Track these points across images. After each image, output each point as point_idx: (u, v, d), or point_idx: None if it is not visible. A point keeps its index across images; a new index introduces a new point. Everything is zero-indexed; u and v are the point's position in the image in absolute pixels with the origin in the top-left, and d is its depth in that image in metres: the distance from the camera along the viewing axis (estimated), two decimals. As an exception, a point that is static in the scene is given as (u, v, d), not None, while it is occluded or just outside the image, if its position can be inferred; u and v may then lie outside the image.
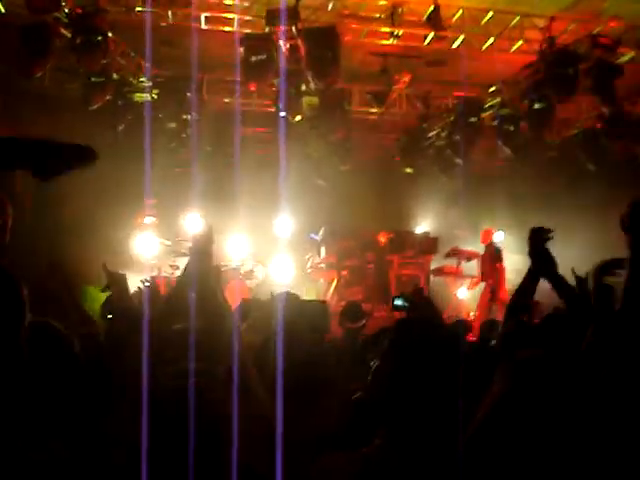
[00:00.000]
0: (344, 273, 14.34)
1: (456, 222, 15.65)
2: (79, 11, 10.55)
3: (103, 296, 5.81)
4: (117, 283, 4.44)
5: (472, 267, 14.96)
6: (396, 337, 2.62)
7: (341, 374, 4.32)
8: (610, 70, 11.80)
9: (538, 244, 3.68)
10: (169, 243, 13.63)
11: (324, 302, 9.26)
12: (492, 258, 14.23)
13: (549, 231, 3.75)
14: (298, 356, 3.11)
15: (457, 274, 14.88)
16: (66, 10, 10.59)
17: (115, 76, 12.39)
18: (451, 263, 15.05)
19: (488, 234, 14.57)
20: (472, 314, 14.17)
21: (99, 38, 10.55)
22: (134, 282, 5.23)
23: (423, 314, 4.57)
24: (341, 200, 14.71)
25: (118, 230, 13.19)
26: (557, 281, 3.65)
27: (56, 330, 2.51)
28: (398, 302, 4.71)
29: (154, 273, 13.08)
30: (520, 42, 11.93)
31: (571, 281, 3.86)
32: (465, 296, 14.67)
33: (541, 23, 11.71)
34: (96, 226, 12.75)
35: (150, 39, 10.96)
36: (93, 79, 11.72)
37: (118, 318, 4.07)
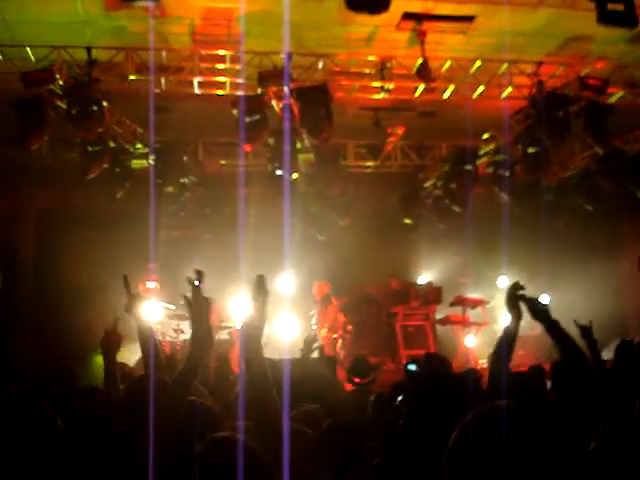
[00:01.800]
0: (349, 328, 14.25)
1: (459, 270, 15.61)
2: (73, 82, 10.70)
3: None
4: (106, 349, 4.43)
5: (479, 314, 14.88)
6: (412, 398, 2.64)
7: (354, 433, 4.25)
8: (601, 110, 11.92)
9: (512, 298, 3.79)
10: (173, 307, 13.57)
11: (332, 358, 9.19)
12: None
13: (521, 286, 3.96)
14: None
15: (463, 322, 14.79)
16: (60, 82, 10.74)
17: (112, 144, 12.49)
18: (456, 312, 14.97)
19: (322, 288, 14.38)
20: (482, 362, 14.04)
21: (94, 107, 10.68)
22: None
23: (432, 379, 4.57)
24: (342, 254, 14.69)
25: (121, 296, 13.12)
26: (552, 327, 3.66)
27: (35, 406, 2.45)
28: (411, 367, 4.69)
29: (158, 338, 12.98)
30: (510, 88, 12.06)
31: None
32: (473, 344, 14.55)
33: (529, 68, 11.86)
34: (98, 292, 12.73)
35: (146, 106, 11.11)
36: (90, 148, 11.83)
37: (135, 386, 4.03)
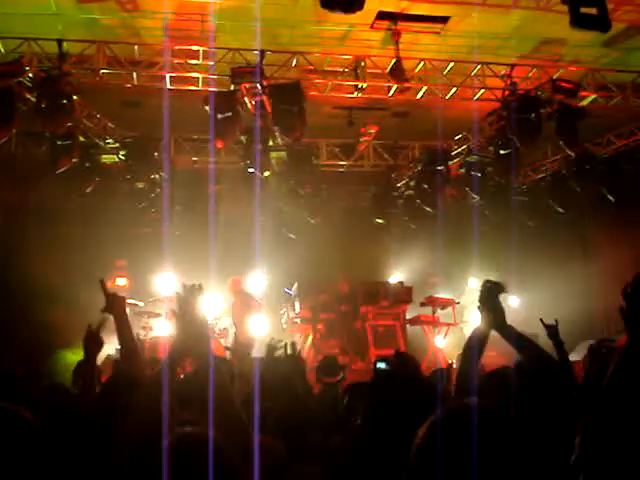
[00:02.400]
0: (320, 327, 14.24)
1: (429, 270, 15.67)
2: (43, 75, 10.54)
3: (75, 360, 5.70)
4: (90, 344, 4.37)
5: (449, 315, 14.92)
6: (375, 397, 2.61)
7: (320, 430, 4.23)
8: (573, 113, 12.00)
9: (491, 298, 3.60)
10: (142, 304, 13.47)
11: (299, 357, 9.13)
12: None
13: (503, 287, 3.65)
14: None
15: (433, 322, 14.82)
16: (30, 74, 10.58)
17: (81, 138, 12.35)
18: (427, 312, 15.00)
19: (236, 283, 14.20)
20: (452, 361, 14.08)
21: (64, 101, 10.53)
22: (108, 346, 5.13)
23: (403, 378, 4.54)
24: (313, 253, 14.68)
25: (90, 293, 12.99)
26: (507, 333, 3.57)
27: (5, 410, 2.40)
28: (380, 365, 4.65)
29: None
30: (482, 90, 12.11)
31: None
32: (443, 344, 14.59)
33: (502, 70, 11.91)
34: (66, 288, 12.59)
35: (117, 101, 11.01)
36: (59, 142, 11.68)
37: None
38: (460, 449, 1.85)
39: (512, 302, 15.89)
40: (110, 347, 6.50)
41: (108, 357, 9.55)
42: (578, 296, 14.50)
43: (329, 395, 5.97)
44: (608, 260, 15.65)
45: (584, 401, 3.87)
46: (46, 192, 13.43)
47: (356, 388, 4.83)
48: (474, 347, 3.69)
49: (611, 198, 13.87)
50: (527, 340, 3.56)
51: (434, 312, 14.94)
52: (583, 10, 8.61)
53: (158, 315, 13.45)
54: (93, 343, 4.48)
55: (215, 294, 13.80)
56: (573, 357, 12.98)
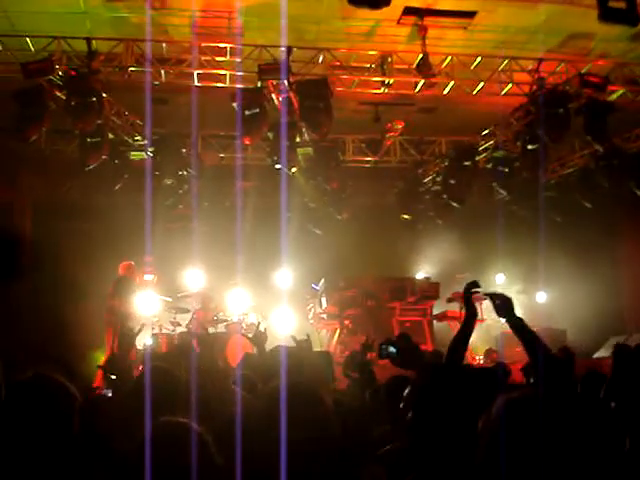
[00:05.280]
0: (346, 322, 14.24)
1: (456, 266, 15.62)
2: (73, 73, 10.66)
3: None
4: (123, 345, 4.44)
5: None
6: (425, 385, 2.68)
7: (353, 425, 4.27)
8: (601, 108, 11.90)
9: (466, 296, 3.82)
10: (169, 299, 13.57)
11: (328, 352, 9.20)
12: None
13: (476, 284, 4.05)
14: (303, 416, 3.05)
15: (460, 318, 14.75)
16: (60, 73, 10.71)
17: (111, 136, 12.46)
18: (453, 308, 14.96)
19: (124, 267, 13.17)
20: (478, 358, 14.06)
21: (93, 99, 10.65)
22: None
23: (410, 360, 4.62)
24: (340, 249, 14.69)
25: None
26: (515, 324, 3.65)
27: (56, 384, 2.45)
28: (389, 349, 4.69)
29: (155, 330, 12.98)
30: (510, 85, 12.05)
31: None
32: (470, 340, 14.55)
33: (529, 65, 11.84)
34: (97, 287, 12.71)
35: (145, 98, 11.09)
36: (89, 139, 11.80)
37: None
38: (528, 433, 1.91)
39: (540, 298, 15.83)
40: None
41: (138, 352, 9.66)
42: (607, 292, 14.41)
43: (358, 390, 5.99)
44: (637, 256, 15.53)
45: (611, 396, 3.88)
46: (76, 189, 13.59)
47: (396, 381, 4.87)
48: (458, 341, 3.86)
49: (639, 193, 13.74)
50: (531, 334, 3.61)
51: (461, 308, 14.88)
52: (611, 4, 8.56)
53: (186, 311, 13.54)
54: (126, 342, 4.56)
55: (241, 290, 13.86)
56: (601, 353, 12.94)
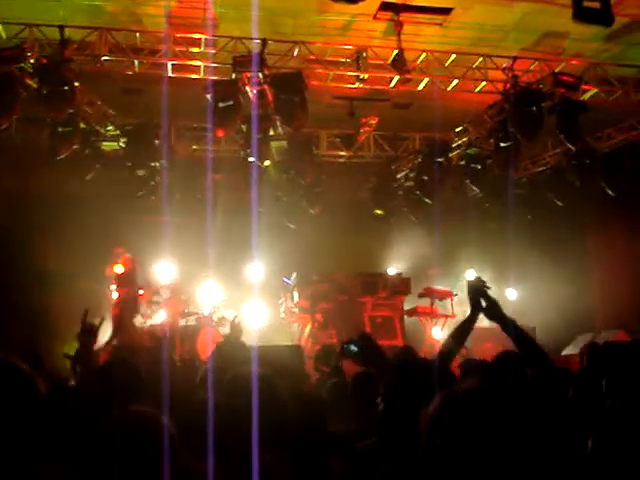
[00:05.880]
0: (318, 317, 14.25)
1: (428, 262, 15.69)
2: (45, 61, 10.52)
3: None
4: (86, 337, 4.37)
5: (446, 306, 14.95)
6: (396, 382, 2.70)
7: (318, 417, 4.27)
8: (574, 107, 11.99)
9: (476, 295, 3.71)
10: (141, 292, 13.46)
11: (299, 346, 9.19)
12: None
13: (484, 283, 3.82)
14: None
15: (431, 314, 14.85)
16: (32, 60, 10.56)
17: (82, 125, 12.33)
18: (425, 303, 15.03)
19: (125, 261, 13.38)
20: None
21: (65, 87, 10.51)
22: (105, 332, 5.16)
23: (371, 359, 4.66)
24: (312, 243, 14.69)
25: (88, 280, 13.03)
26: (505, 323, 3.64)
27: (19, 372, 2.41)
28: (350, 348, 4.73)
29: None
30: (484, 83, 12.11)
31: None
32: (440, 336, 14.63)
33: (504, 63, 11.90)
34: (66, 275, 12.61)
35: (118, 88, 11.00)
36: (60, 129, 11.65)
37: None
38: (465, 428, 1.91)
39: (510, 295, 15.94)
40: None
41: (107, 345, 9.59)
42: (576, 290, 14.54)
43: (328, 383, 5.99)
44: (606, 254, 15.71)
45: (581, 394, 3.91)
46: (46, 179, 13.43)
47: (362, 376, 4.88)
48: (459, 330, 3.79)
49: (610, 192, 13.89)
50: (524, 332, 3.61)
51: (432, 304, 14.97)
52: (586, 4, 8.63)
53: (157, 303, 13.46)
54: (88, 337, 4.49)
55: (212, 283, 13.81)
56: (570, 350, 13.07)
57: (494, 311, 3.67)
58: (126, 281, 12.94)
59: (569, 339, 13.60)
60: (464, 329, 3.80)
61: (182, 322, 13.03)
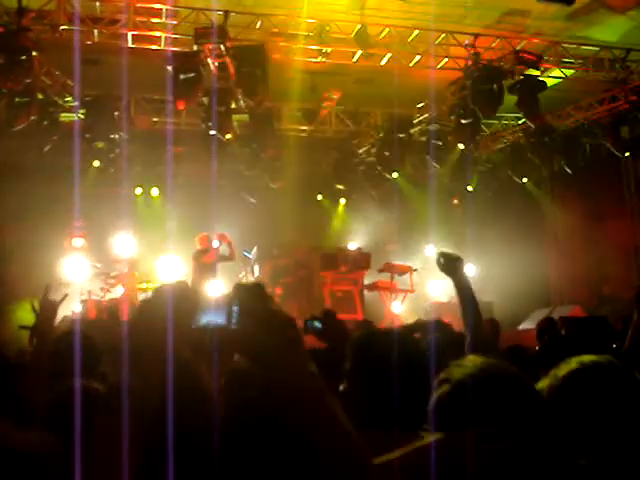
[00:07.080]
0: (278, 291, 14.29)
1: (387, 237, 15.79)
2: (1, 30, 10.29)
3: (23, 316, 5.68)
4: (45, 311, 4.32)
5: (406, 281, 15.07)
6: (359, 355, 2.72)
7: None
8: (534, 85, 12.11)
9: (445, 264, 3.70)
10: (99, 266, 13.34)
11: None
12: None
13: (458, 258, 3.73)
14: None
15: (391, 289, 14.96)
16: (-13, 29, 10.33)
17: (40, 96, 12.10)
18: (384, 278, 15.13)
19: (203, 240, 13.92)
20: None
21: (23, 57, 10.30)
22: (65, 306, 5.10)
23: (334, 336, 4.67)
24: (273, 218, 14.69)
25: (46, 253, 12.89)
26: (461, 283, 3.64)
27: None
28: (314, 324, 4.75)
29: (84, 297, 12.77)
30: (446, 59, 12.16)
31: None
32: (400, 310, 14.76)
33: (466, 40, 11.95)
34: (26, 249, 12.45)
35: (76, 58, 10.78)
36: (17, 99, 11.41)
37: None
38: None
39: (468, 270, 16.11)
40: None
41: (64, 318, 9.49)
42: (533, 265, 14.75)
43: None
44: (563, 231, 15.96)
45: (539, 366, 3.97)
46: (3, 149, 13.19)
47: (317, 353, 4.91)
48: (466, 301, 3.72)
49: (568, 170, 14.09)
50: (473, 296, 3.61)
51: (392, 278, 15.08)
52: (548, -17, 8.68)
53: (115, 277, 13.35)
54: (48, 309, 4.44)
55: (172, 257, 13.74)
56: (526, 325, 13.28)
57: (449, 265, 3.67)
58: None
59: (525, 314, 13.81)
60: (461, 299, 3.71)
61: (141, 296, 12.95)
